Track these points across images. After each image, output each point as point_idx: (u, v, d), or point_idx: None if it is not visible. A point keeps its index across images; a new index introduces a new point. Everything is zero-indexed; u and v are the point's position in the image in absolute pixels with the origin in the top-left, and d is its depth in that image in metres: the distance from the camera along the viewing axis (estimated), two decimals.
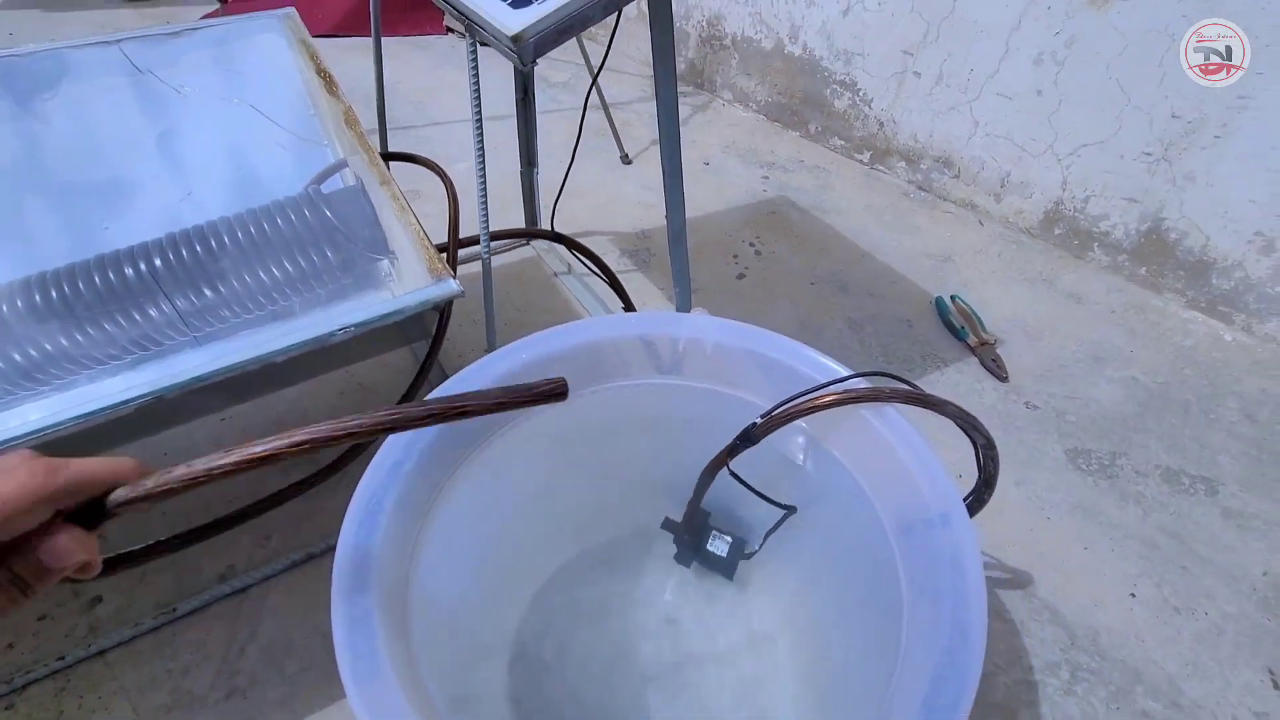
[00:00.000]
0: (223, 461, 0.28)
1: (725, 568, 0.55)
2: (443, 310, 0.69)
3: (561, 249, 1.12)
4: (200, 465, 0.27)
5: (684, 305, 0.80)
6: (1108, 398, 0.92)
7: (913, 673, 0.35)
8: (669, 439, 0.58)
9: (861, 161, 1.41)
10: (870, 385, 0.46)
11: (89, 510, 0.27)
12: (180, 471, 0.27)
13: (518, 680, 0.48)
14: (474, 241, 0.73)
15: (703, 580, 0.54)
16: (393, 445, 0.43)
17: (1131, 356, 0.98)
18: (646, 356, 0.54)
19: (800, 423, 0.52)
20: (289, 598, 0.71)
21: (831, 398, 0.46)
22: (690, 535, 0.57)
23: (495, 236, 0.79)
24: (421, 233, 0.62)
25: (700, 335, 0.52)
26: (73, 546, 0.26)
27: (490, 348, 0.59)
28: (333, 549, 0.73)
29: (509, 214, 1.13)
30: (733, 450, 0.51)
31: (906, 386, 0.46)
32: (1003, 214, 1.24)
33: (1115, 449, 0.85)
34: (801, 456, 0.53)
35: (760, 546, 0.55)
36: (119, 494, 0.27)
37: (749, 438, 0.50)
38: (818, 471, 0.52)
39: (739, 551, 0.56)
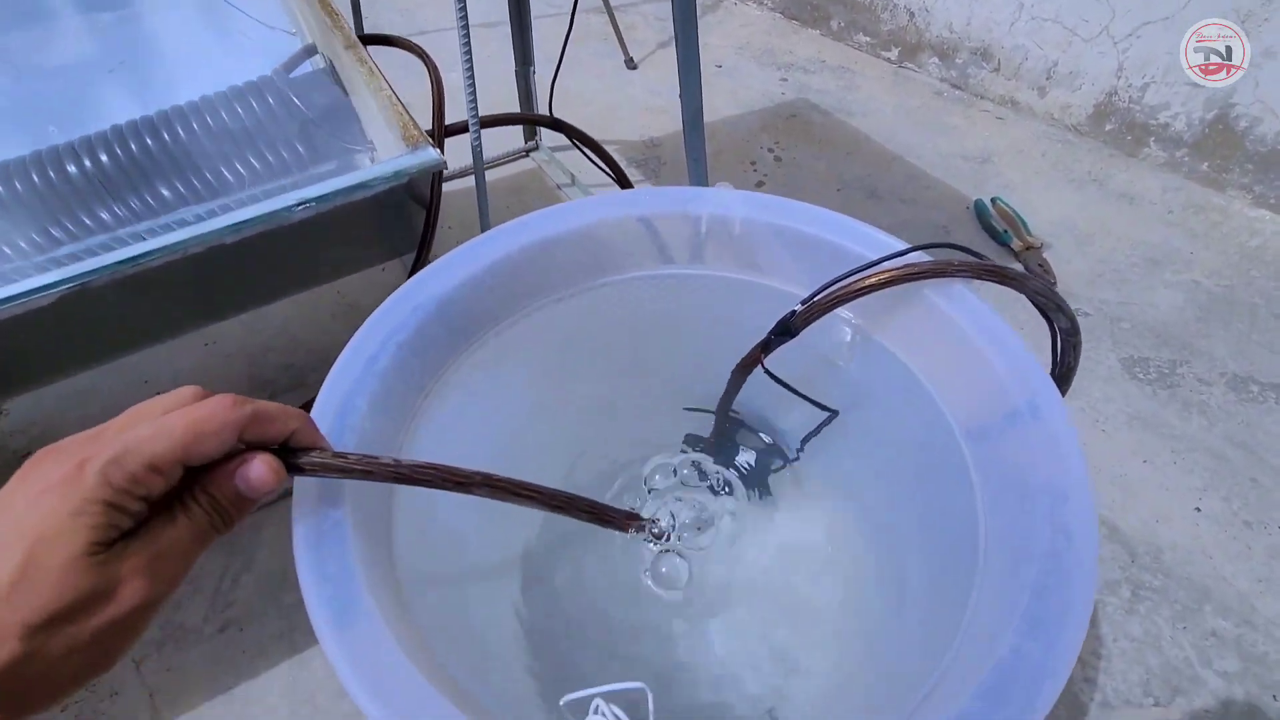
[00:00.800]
0: (426, 470, 0.28)
1: (757, 483, 0.49)
2: (429, 203, 0.61)
3: (563, 158, 1.03)
4: (404, 465, 0.28)
5: (699, 180, 0.72)
6: (1166, 303, 0.84)
7: (999, 587, 0.29)
8: (691, 339, 0.51)
9: (889, 59, 1.28)
10: (932, 259, 0.38)
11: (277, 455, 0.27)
12: (377, 461, 0.28)
13: (530, 604, 0.43)
14: (462, 129, 0.64)
15: (732, 499, 0.48)
16: (367, 339, 0.36)
17: (1191, 259, 0.89)
18: (663, 241, 0.46)
19: (845, 312, 0.44)
20: (285, 528, 0.66)
21: (887, 275, 0.38)
22: (717, 449, 0.51)
23: (486, 124, 0.70)
24: (394, 99, 0.53)
25: (725, 212, 0.44)
26: (268, 474, 0.26)
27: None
28: None
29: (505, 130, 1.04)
30: (767, 345, 0.44)
31: (976, 258, 0.38)
32: (1047, 110, 1.12)
33: (1175, 357, 0.78)
34: (847, 353, 0.45)
35: (797, 456, 0.48)
36: (315, 456, 0.27)
37: (787, 329, 0.42)
38: (865, 369, 0.45)
39: (768, 465, 0.49)
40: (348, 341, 0.35)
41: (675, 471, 0.48)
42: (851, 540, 0.45)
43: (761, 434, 0.50)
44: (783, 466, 0.49)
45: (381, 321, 0.36)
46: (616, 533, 0.38)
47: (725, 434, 0.50)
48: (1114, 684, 0.53)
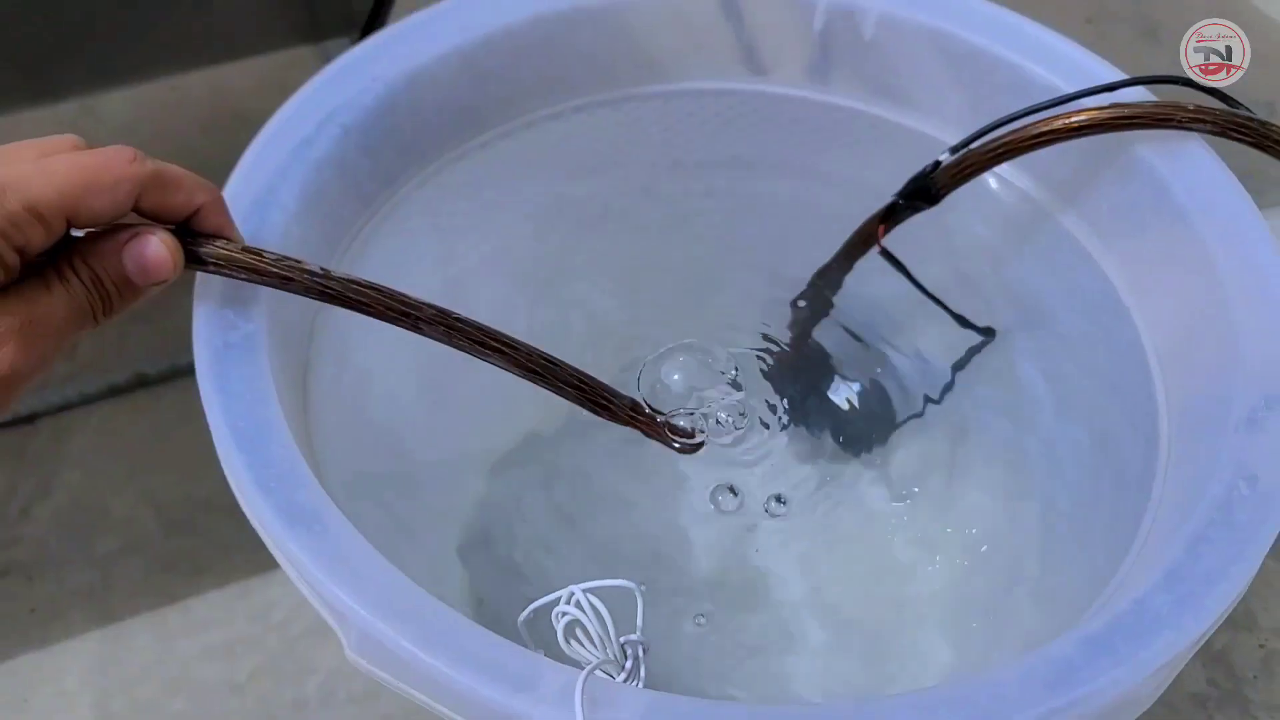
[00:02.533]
0: (364, 290, 0.38)
1: (856, 434, 0.58)
2: None
3: None
4: (335, 278, 0.38)
5: None
6: None
7: (1156, 547, 0.39)
8: (775, 199, 0.60)
9: None
10: (1155, 101, 0.47)
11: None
12: (300, 266, 0.37)
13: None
14: None
15: (807, 453, 0.58)
16: (301, 113, 0.46)
17: None
18: (752, 38, 0.55)
19: (1015, 174, 0.53)
20: (103, 441, 0.79)
21: (1081, 117, 0.47)
22: (792, 377, 0.60)
23: None
24: None
25: (854, 1, 0.53)
26: (164, 257, 0.35)
27: None
28: (181, 374, 0.81)
29: None
30: (892, 214, 0.53)
31: (1226, 103, 0.46)
32: None
33: None
34: (1013, 239, 0.55)
35: (941, 399, 0.57)
36: (222, 246, 0.37)
37: (925, 191, 0.51)
38: (1037, 269, 0.54)
39: (879, 410, 0.59)
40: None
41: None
42: (976, 524, 0.55)
43: (854, 379, 0.59)
44: (904, 421, 0.58)
45: (324, 92, 0.47)
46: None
47: (802, 367, 0.60)
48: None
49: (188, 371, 0.79)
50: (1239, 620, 0.71)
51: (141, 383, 0.81)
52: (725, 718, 0.32)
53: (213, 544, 0.73)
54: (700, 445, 0.51)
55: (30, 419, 0.79)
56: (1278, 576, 0.73)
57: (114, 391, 0.80)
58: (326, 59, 0.98)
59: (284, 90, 1.03)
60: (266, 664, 0.68)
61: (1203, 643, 0.34)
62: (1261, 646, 0.69)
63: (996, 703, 0.32)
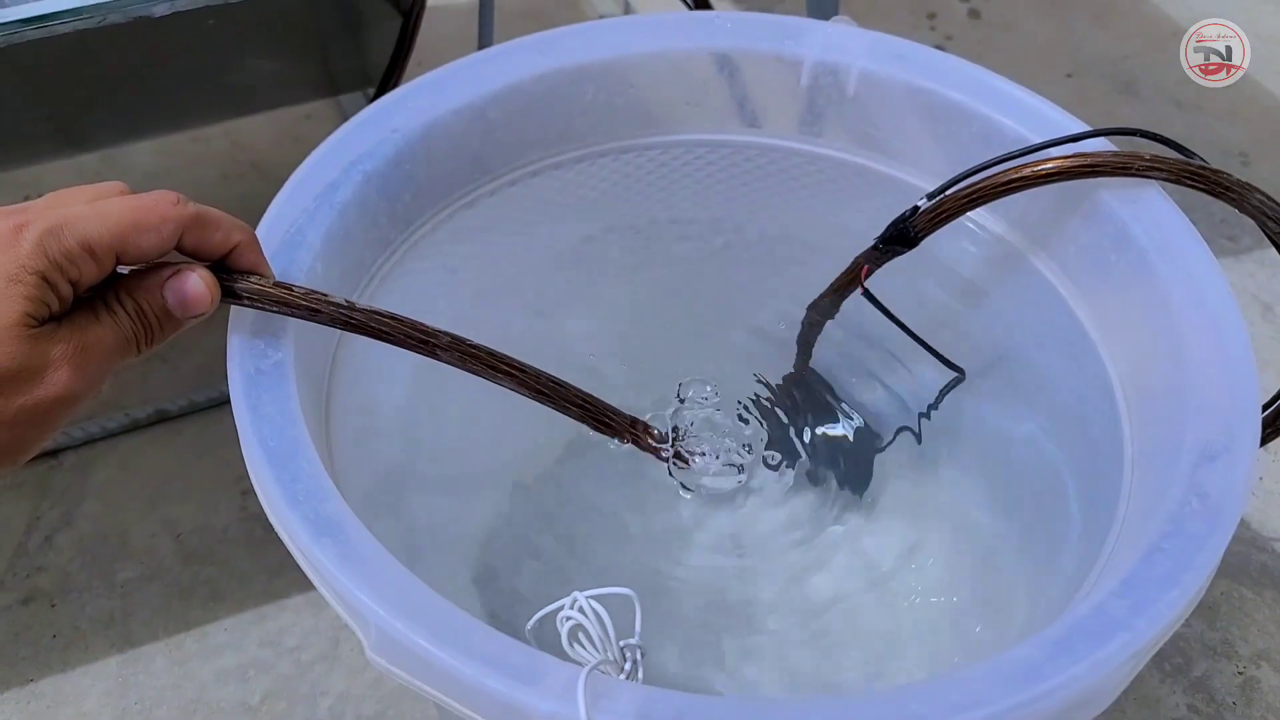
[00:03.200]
0: (385, 320, 0.42)
1: (838, 471, 0.61)
2: (409, 9, 0.76)
3: None
4: (359, 310, 0.42)
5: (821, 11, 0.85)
6: None
7: (1117, 561, 0.41)
8: (764, 242, 0.64)
9: None
10: (1114, 151, 0.50)
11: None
12: (327, 299, 0.41)
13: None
14: None
15: (795, 487, 0.61)
16: (326, 161, 0.50)
17: None
18: (745, 94, 0.59)
19: (988, 218, 0.57)
20: (124, 474, 0.83)
21: (1051, 165, 0.50)
22: (783, 413, 0.63)
23: None
24: None
25: (840, 59, 0.56)
26: (202, 292, 0.38)
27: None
28: (199, 410, 0.84)
29: None
30: (876, 257, 0.56)
31: (1178, 154, 0.50)
32: None
33: None
34: (985, 278, 0.58)
35: (920, 431, 0.60)
36: (253, 281, 0.40)
37: (904, 235, 0.55)
38: (1010, 305, 0.57)
39: (861, 448, 0.62)
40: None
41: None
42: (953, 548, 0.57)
43: (843, 403, 0.62)
44: (883, 448, 0.61)
45: (348, 142, 0.51)
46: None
47: (800, 391, 0.63)
48: None
49: (206, 408, 0.85)
50: (1218, 648, 0.74)
51: (161, 418, 0.84)
52: (719, 711, 0.35)
53: (229, 572, 0.76)
54: (686, 458, 0.56)
55: (54, 453, 0.83)
56: (1256, 606, 0.76)
57: (135, 426, 0.84)
58: (342, 112, 1.04)
59: (300, 142, 1.08)
60: (279, 687, 0.71)
61: (1159, 645, 0.37)
62: (1240, 673, 0.72)
63: (964, 698, 0.34)
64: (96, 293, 0.37)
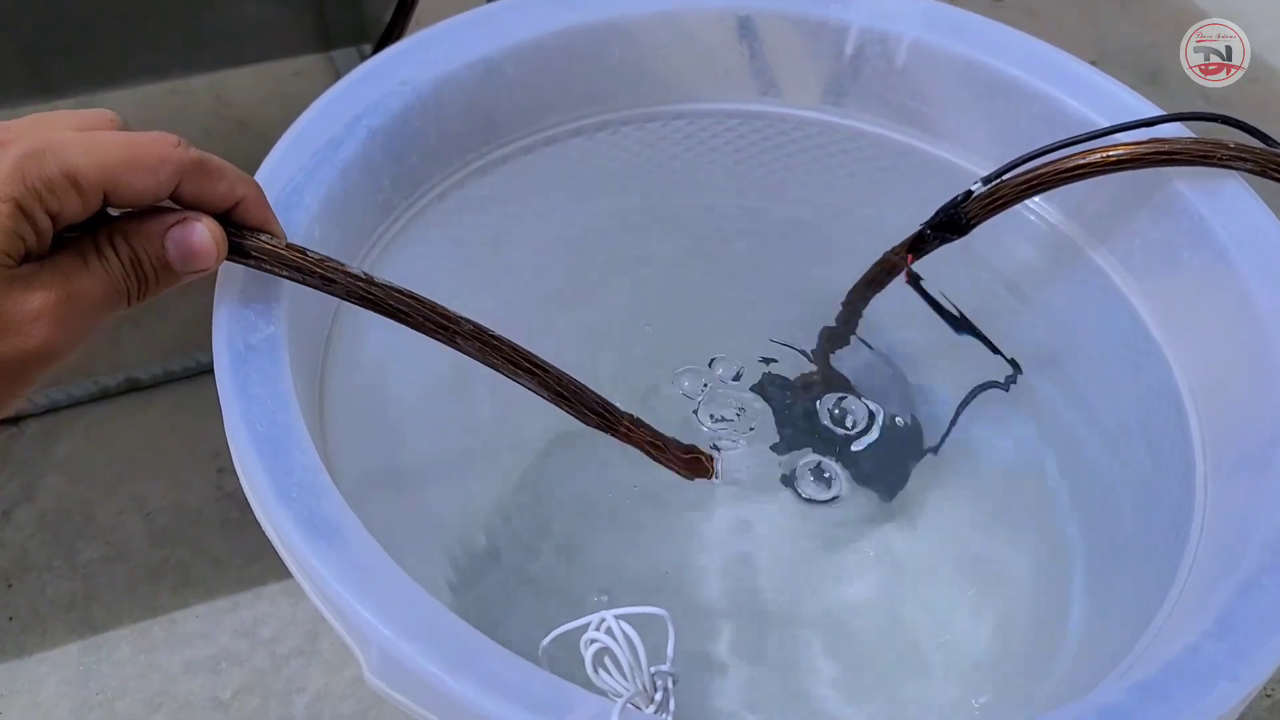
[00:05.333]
0: (404, 299, 0.38)
1: (874, 468, 0.57)
2: None
3: None
4: (378, 284, 0.37)
5: None
6: None
7: (1200, 588, 0.37)
8: (796, 226, 0.59)
9: None
10: (1193, 137, 0.46)
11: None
12: (344, 269, 0.37)
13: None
14: None
15: (822, 485, 0.56)
16: (329, 113, 0.45)
17: None
18: (778, 61, 0.55)
19: (1046, 207, 0.52)
20: (91, 446, 0.77)
21: (1119, 152, 0.46)
22: (809, 407, 0.59)
23: None
24: None
25: (889, 27, 0.52)
26: (208, 244, 0.34)
27: None
28: (174, 379, 0.79)
29: None
30: (919, 243, 0.52)
31: (1265, 142, 0.46)
32: None
33: None
34: (1040, 272, 0.54)
35: (959, 434, 0.56)
36: (264, 240, 0.36)
37: (954, 222, 0.51)
38: (1066, 303, 0.53)
39: (897, 445, 0.57)
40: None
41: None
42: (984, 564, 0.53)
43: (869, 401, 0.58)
44: (926, 453, 0.57)
45: (353, 94, 0.46)
46: None
47: (829, 384, 0.59)
48: None
49: (181, 377, 0.79)
50: None
51: (133, 387, 0.79)
52: None
53: (201, 556, 0.71)
54: (712, 474, 0.51)
55: (15, 420, 0.77)
56: None
57: (104, 395, 0.79)
58: (335, 69, 0.99)
59: (289, 99, 1.02)
60: (253, 681, 0.66)
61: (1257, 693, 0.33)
62: (1269, 696, 0.68)
63: None
64: (86, 236, 0.33)
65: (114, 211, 0.33)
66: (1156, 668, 0.33)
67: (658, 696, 0.34)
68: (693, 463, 0.50)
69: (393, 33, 0.77)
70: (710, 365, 0.58)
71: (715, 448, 0.54)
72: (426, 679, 0.30)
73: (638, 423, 0.46)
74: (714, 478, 0.52)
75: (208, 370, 0.78)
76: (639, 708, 0.33)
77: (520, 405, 0.47)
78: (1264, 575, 0.35)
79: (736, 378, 0.58)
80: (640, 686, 0.33)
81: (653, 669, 0.34)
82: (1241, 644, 0.33)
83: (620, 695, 0.32)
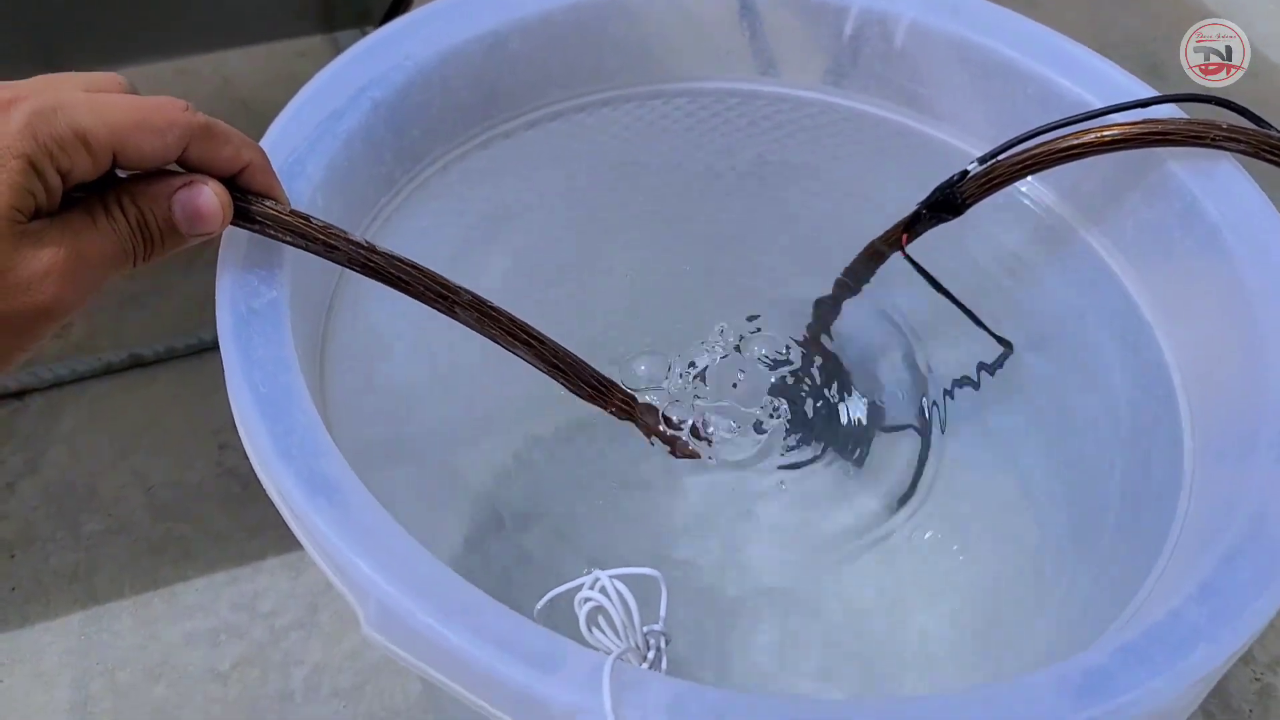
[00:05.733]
0: (405, 268, 0.38)
1: (863, 446, 0.57)
2: None
3: None
4: (379, 252, 0.38)
5: None
6: None
7: (1184, 562, 0.38)
8: (787, 205, 0.60)
9: None
10: (1186, 118, 0.47)
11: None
12: (346, 236, 0.37)
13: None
14: None
15: (813, 462, 0.57)
16: (333, 85, 0.45)
17: None
18: (777, 39, 0.55)
19: (1040, 187, 0.53)
20: (95, 420, 0.78)
21: (1113, 132, 0.47)
22: (804, 386, 0.60)
23: None
24: None
25: (889, 8, 0.52)
26: (215, 207, 0.35)
27: None
28: (177, 356, 0.80)
29: None
30: (915, 222, 0.53)
31: (1257, 124, 0.46)
32: None
33: None
34: (1033, 254, 0.54)
35: (952, 412, 0.56)
36: (268, 205, 0.36)
37: (949, 201, 0.51)
38: (1052, 287, 0.53)
39: (889, 422, 0.58)
40: None
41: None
42: (986, 543, 0.54)
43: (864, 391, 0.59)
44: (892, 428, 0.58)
45: (357, 66, 0.46)
46: None
47: (822, 362, 0.59)
48: None
49: (184, 355, 0.80)
50: None
51: (136, 363, 0.80)
52: (760, 709, 0.31)
53: (202, 530, 0.72)
54: (698, 454, 0.52)
55: (20, 394, 0.78)
56: None
57: (108, 371, 0.79)
58: (338, 49, 0.99)
59: (292, 79, 1.02)
60: (252, 654, 0.67)
61: (1237, 659, 0.34)
62: (1257, 680, 0.69)
63: (1031, 708, 0.31)
64: (95, 195, 0.34)
65: (122, 174, 0.34)
66: (1139, 632, 0.33)
67: (650, 655, 0.35)
68: (673, 442, 0.50)
69: (399, 5, 0.77)
70: (703, 342, 0.59)
71: (706, 429, 0.54)
72: (423, 632, 0.31)
73: (631, 399, 0.47)
74: (706, 457, 0.52)
75: (210, 348, 0.80)
76: (631, 663, 0.33)
77: (519, 382, 0.48)
78: (1247, 543, 0.35)
79: (737, 348, 0.59)
80: (633, 644, 0.34)
81: (645, 628, 0.34)
82: (1222, 609, 0.33)
83: (612, 651, 0.33)
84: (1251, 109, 0.47)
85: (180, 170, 0.35)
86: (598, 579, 0.34)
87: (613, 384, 0.46)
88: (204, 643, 0.67)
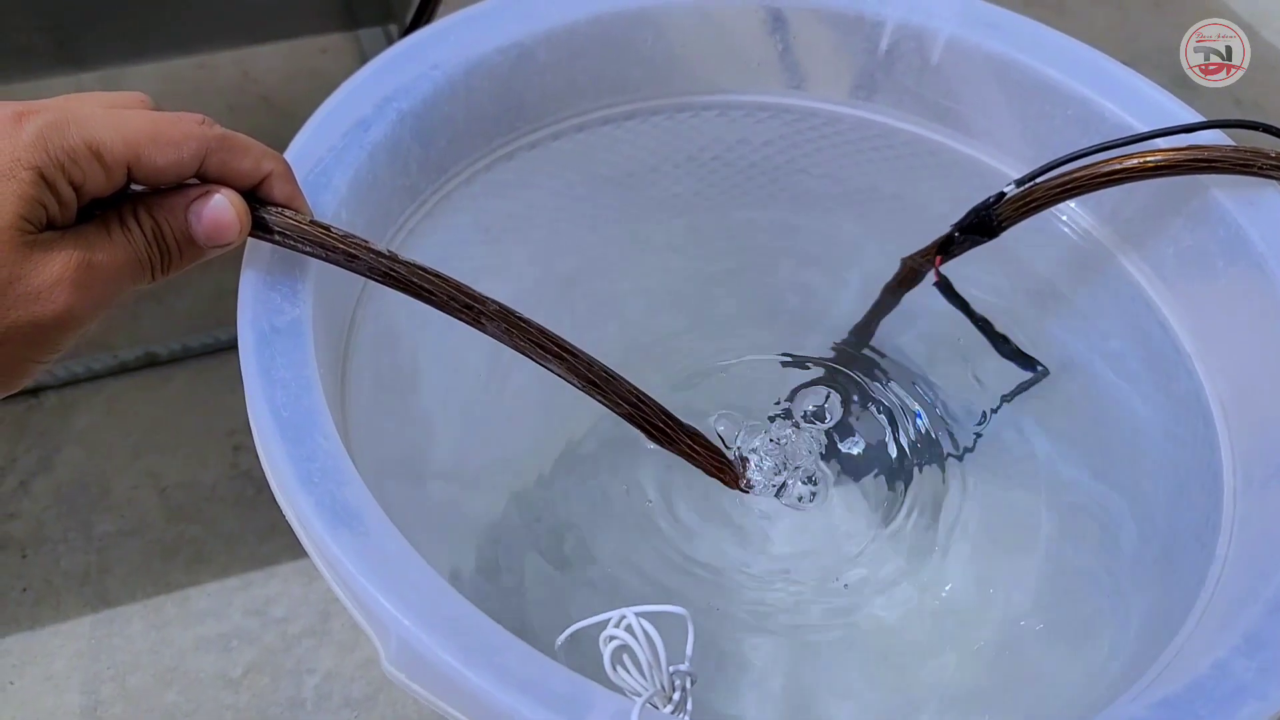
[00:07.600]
0: (428, 277, 0.37)
1: (896, 474, 0.56)
2: None
3: None
4: (401, 262, 0.36)
5: None
6: None
7: (1226, 607, 0.37)
8: (820, 225, 0.59)
9: None
10: (1233, 146, 0.46)
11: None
12: (367, 246, 0.36)
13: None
14: None
15: (848, 492, 0.56)
16: (359, 94, 0.44)
17: None
18: (808, 54, 0.54)
19: (1079, 210, 0.52)
20: (109, 420, 0.77)
21: (1156, 157, 0.45)
22: (834, 412, 0.58)
23: None
24: None
25: (925, 22, 0.51)
26: (230, 218, 0.34)
27: None
28: (192, 356, 0.79)
29: None
30: (948, 245, 0.52)
31: None
32: None
33: None
34: (1057, 278, 0.53)
35: (979, 431, 0.55)
36: (288, 216, 0.36)
37: (984, 223, 0.50)
38: (1087, 313, 0.52)
39: (924, 451, 0.57)
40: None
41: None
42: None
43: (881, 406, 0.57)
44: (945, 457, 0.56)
45: (383, 75, 0.45)
46: None
47: (855, 389, 0.58)
48: None
49: (200, 353, 0.79)
50: None
51: (151, 362, 0.79)
52: None
53: (215, 533, 0.71)
54: (748, 484, 0.51)
55: (34, 392, 0.77)
56: None
57: (122, 369, 0.79)
58: (360, 48, 0.98)
59: (315, 77, 1.02)
60: (263, 660, 0.66)
61: None
62: None
63: None
64: (111, 209, 0.33)
65: (138, 188, 0.33)
66: (1182, 685, 0.32)
67: (676, 696, 0.34)
68: (723, 470, 0.48)
69: (424, 13, 0.76)
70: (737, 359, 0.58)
71: (744, 458, 0.53)
72: (445, 672, 0.30)
73: (672, 419, 0.44)
74: (746, 488, 0.51)
75: (226, 347, 0.79)
76: (657, 707, 0.33)
77: (546, 402, 0.46)
78: None
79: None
80: (659, 685, 0.33)
81: (671, 668, 0.33)
82: (1271, 663, 0.32)
83: (639, 693, 0.32)
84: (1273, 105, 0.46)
85: (199, 183, 0.34)
86: (624, 617, 0.33)
87: (650, 401, 0.43)
88: (215, 648, 0.67)
